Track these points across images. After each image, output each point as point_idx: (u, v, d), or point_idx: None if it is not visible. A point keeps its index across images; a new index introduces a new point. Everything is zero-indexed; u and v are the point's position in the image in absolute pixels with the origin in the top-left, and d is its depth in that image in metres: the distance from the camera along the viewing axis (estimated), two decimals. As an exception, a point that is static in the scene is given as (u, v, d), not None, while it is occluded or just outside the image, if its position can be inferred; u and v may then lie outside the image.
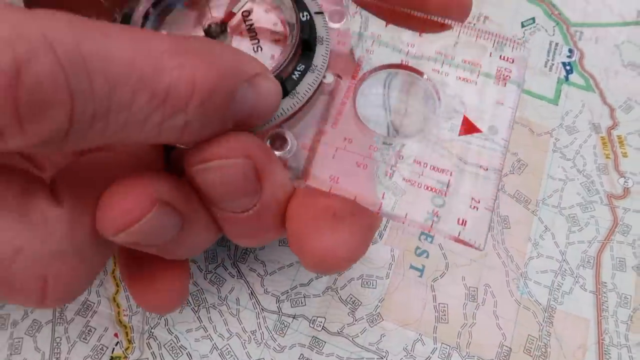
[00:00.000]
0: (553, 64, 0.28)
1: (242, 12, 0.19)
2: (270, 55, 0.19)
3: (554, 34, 0.29)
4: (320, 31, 0.18)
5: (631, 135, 0.26)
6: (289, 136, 0.17)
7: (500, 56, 0.19)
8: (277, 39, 0.19)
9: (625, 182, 0.25)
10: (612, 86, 0.28)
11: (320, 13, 0.19)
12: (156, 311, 0.21)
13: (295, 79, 0.17)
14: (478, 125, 0.18)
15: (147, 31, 0.14)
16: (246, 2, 0.19)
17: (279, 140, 0.17)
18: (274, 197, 0.16)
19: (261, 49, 0.19)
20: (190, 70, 0.13)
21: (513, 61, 0.19)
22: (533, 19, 0.30)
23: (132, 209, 0.14)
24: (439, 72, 0.19)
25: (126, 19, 0.18)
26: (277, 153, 0.17)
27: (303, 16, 0.18)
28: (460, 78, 0.19)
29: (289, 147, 0.17)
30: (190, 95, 0.13)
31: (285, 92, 0.17)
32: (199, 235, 0.17)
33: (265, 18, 0.20)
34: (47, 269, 0.15)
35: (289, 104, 0.17)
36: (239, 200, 0.15)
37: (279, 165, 0.16)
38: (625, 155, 0.26)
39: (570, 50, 0.29)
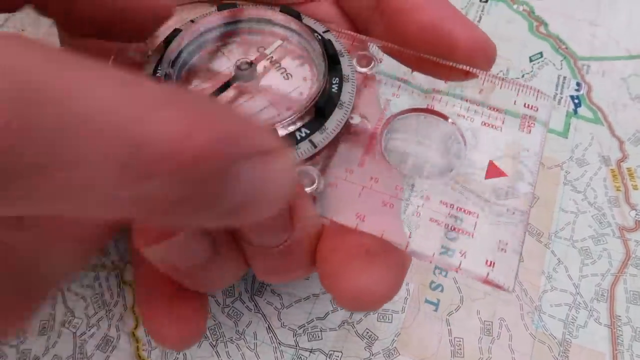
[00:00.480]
0: (562, 98, 0.29)
1: (271, 59, 0.20)
2: (302, 77, 0.20)
3: (561, 68, 0.30)
4: (345, 70, 0.19)
5: (641, 168, 0.27)
6: (316, 173, 0.18)
7: (525, 104, 0.20)
8: (304, 77, 0.20)
9: (636, 214, 0.25)
10: (620, 119, 0.28)
11: (347, 54, 0.20)
12: (174, 347, 0.21)
13: (326, 113, 0.18)
14: (503, 169, 0.18)
15: (138, 76, 0.11)
16: (278, 46, 0.20)
17: (306, 177, 0.17)
18: (304, 232, 0.16)
19: (291, 76, 0.20)
20: (178, 126, 0.10)
21: (537, 109, 0.20)
22: (541, 53, 0.31)
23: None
24: (464, 117, 0.19)
25: (173, 34, 0.19)
26: (305, 189, 0.17)
27: (331, 57, 0.19)
28: (485, 124, 0.19)
29: (316, 184, 0.17)
30: (169, 157, 0.10)
31: (316, 128, 0.18)
32: (227, 268, 0.17)
33: (292, 63, 0.20)
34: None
35: (319, 139, 0.18)
36: (271, 236, 0.16)
37: (309, 202, 0.16)
38: (635, 187, 0.26)
39: (578, 84, 0.30)
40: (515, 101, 0.20)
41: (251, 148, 0.11)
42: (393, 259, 0.16)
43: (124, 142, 0.10)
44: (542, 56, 0.30)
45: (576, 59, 0.30)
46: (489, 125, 0.19)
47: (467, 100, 0.20)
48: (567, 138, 0.28)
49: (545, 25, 0.32)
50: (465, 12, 0.32)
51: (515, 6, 0.32)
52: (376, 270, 0.16)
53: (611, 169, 0.27)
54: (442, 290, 0.24)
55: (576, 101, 0.29)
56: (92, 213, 0.11)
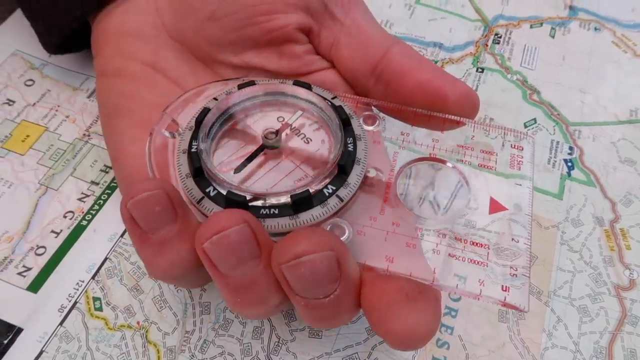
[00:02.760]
0: (555, 161, 0.31)
1: (293, 128, 0.23)
2: (320, 140, 0.23)
3: (554, 133, 0.32)
4: (356, 130, 0.22)
5: (633, 229, 0.28)
6: (346, 225, 0.20)
7: (511, 145, 0.23)
8: (322, 139, 0.23)
9: (630, 274, 0.27)
10: (611, 181, 0.30)
11: (354, 115, 0.23)
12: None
13: (347, 170, 0.20)
14: (503, 204, 0.21)
15: None
16: (299, 116, 0.23)
17: (338, 229, 0.20)
18: (350, 280, 0.18)
19: (311, 140, 0.23)
20: None
21: (522, 149, 0.22)
22: (535, 119, 0.33)
23: (228, 219, 0.18)
24: (463, 161, 0.22)
25: (203, 113, 0.22)
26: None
27: (344, 120, 0.22)
28: (481, 165, 0.22)
29: (346, 234, 0.20)
30: None
31: (341, 184, 0.20)
32: (264, 295, 0.19)
33: (310, 129, 0.23)
34: None
35: (344, 194, 0.20)
36: (324, 288, 0.18)
37: (350, 252, 0.19)
38: (628, 247, 0.28)
39: (571, 148, 0.32)
40: (503, 143, 0.23)
41: None
42: (429, 297, 0.18)
43: None
44: (535, 122, 0.33)
45: (568, 125, 0.33)
46: (484, 166, 0.22)
47: (462, 147, 0.22)
48: (562, 199, 0.30)
49: (538, 93, 0.34)
50: (464, 81, 0.34)
51: (509, 75, 0.35)
52: (418, 311, 0.18)
53: (605, 230, 0.29)
54: (448, 348, 0.25)
55: (569, 164, 0.31)
56: None
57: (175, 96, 0.26)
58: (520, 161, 0.22)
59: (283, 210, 0.19)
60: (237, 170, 0.21)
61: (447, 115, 0.23)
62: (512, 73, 0.35)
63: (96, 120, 0.32)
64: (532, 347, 0.25)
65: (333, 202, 0.20)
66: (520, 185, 0.22)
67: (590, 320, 0.26)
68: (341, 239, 0.19)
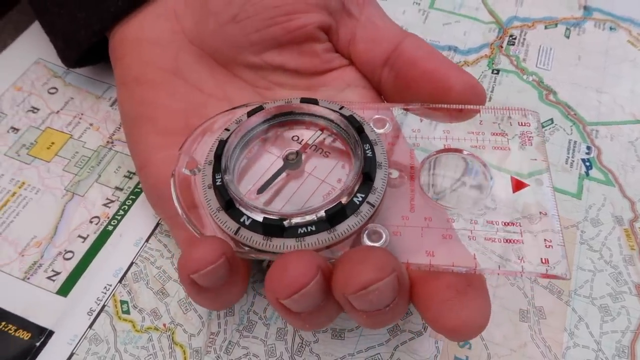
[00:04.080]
0: (573, 161, 0.31)
1: (314, 146, 0.23)
2: (339, 152, 0.23)
3: (571, 133, 0.32)
4: (371, 135, 0.22)
5: (653, 227, 0.29)
6: (382, 229, 0.20)
7: (519, 122, 0.23)
8: (341, 151, 0.23)
9: (651, 272, 0.27)
10: (630, 180, 0.30)
11: (365, 122, 0.23)
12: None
13: (372, 176, 0.21)
14: (524, 181, 0.22)
15: None
16: (318, 136, 0.23)
17: (374, 234, 0.20)
18: (405, 288, 0.19)
19: (329, 153, 0.23)
20: None
21: (529, 124, 0.23)
22: (552, 119, 0.33)
23: (304, 274, 0.18)
24: (477, 147, 0.23)
25: (221, 145, 0.22)
26: (375, 245, 0.20)
27: (358, 128, 0.22)
28: (495, 147, 0.23)
29: (384, 238, 0.20)
30: None
31: (368, 190, 0.20)
32: (330, 316, 0.20)
33: (327, 142, 0.24)
34: None
35: (373, 199, 0.20)
36: (387, 303, 0.18)
37: (402, 264, 0.19)
38: (649, 246, 0.28)
39: (588, 148, 0.32)
40: (510, 122, 0.23)
41: None
42: (478, 288, 0.19)
43: None
44: (552, 122, 0.33)
45: (585, 124, 0.33)
46: (498, 148, 0.23)
47: (473, 133, 0.23)
48: (580, 199, 0.30)
49: (554, 93, 0.34)
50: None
51: (525, 76, 0.35)
52: (470, 304, 0.19)
53: (624, 229, 0.29)
54: (470, 348, 0.25)
55: (587, 164, 0.31)
56: None
57: (194, 103, 0.26)
58: (530, 136, 0.23)
59: (320, 225, 0.20)
60: (260, 190, 0.22)
61: (456, 106, 0.23)
62: (528, 74, 0.35)
63: (119, 128, 0.32)
64: (553, 346, 0.25)
65: (365, 210, 0.20)
66: (536, 159, 0.22)
67: (612, 319, 0.26)
68: (380, 242, 0.20)
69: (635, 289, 0.27)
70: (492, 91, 0.34)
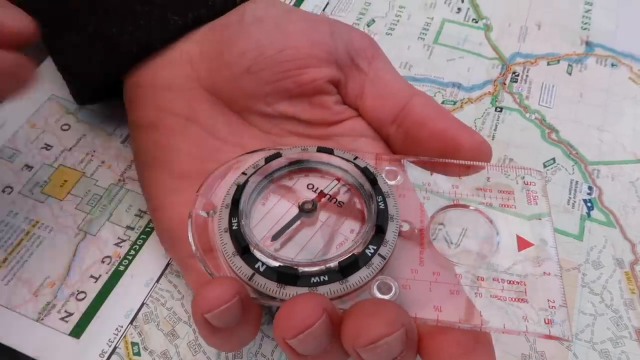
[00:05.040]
0: (575, 202, 0.32)
1: (328, 195, 0.24)
2: (352, 202, 0.24)
3: (573, 173, 0.33)
4: (384, 187, 0.23)
5: (653, 271, 0.29)
6: (392, 281, 0.21)
7: (525, 181, 0.24)
8: (354, 202, 0.24)
9: (651, 317, 0.27)
10: (631, 222, 0.31)
11: (379, 175, 0.24)
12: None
13: (384, 228, 0.21)
14: (529, 240, 0.22)
15: None
16: (335, 185, 0.24)
17: (384, 286, 0.21)
18: (414, 342, 0.20)
19: (343, 203, 0.24)
20: None
21: (535, 184, 0.23)
22: (554, 159, 0.34)
23: (310, 315, 0.18)
24: (484, 203, 0.24)
25: (239, 190, 0.23)
26: (385, 297, 0.21)
27: (372, 180, 0.23)
28: (502, 205, 0.23)
29: (393, 291, 0.21)
30: None
31: (380, 242, 0.21)
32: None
33: (341, 192, 0.25)
34: None
35: (385, 252, 0.21)
36: (395, 356, 0.19)
37: (411, 319, 0.20)
38: (649, 290, 0.28)
39: (590, 188, 0.32)
40: (517, 181, 0.24)
41: None
42: (485, 346, 0.20)
43: None
44: (554, 162, 0.33)
45: (586, 164, 0.33)
46: (505, 205, 0.23)
47: (481, 189, 0.24)
48: (582, 241, 0.30)
49: (557, 132, 0.35)
50: (483, 121, 0.35)
51: (527, 114, 0.36)
52: None
53: (625, 272, 0.29)
54: (472, 393, 0.26)
55: (589, 204, 0.32)
56: None
57: (209, 149, 0.27)
58: (535, 196, 0.24)
59: (332, 275, 0.20)
60: (275, 237, 0.22)
61: (463, 162, 0.24)
62: (531, 112, 0.36)
63: (130, 166, 0.33)
64: (555, 391, 0.26)
65: (377, 262, 0.21)
66: (540, 219, 0.23)
67: (612, 364, 0.26)
68: (390, 295, 0.21)
69: (636, 333, 0.27)
70: (495, 129, 0.35)
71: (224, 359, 0.27)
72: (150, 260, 0.29)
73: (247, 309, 0.21)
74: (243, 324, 0.21)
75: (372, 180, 0.23)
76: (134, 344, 0.27)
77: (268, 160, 0.24)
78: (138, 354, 0.27)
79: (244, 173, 0.24)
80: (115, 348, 0.27)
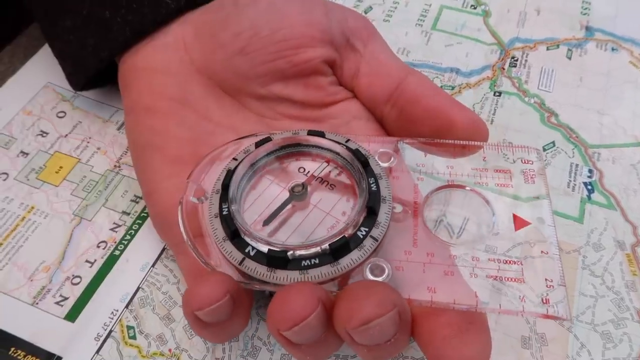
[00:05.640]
0: (575, 185, 0.31)
1: (319, 178, 0.24)
2: (344, 185, 0.23)
3: (573, 156, 0.33)
4: (376, 169, 0.22)
5: (655, 252, 0.29)
6: (384, 263, 0.20)
7: (521, 160, 0.23)
8: (345, 184, 0.24)
9: (653, 298, 0.27)
10: (632, 204, 0.31)
11: (370, 155, 0.23)
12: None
13: (376, 210, 0.21)
14: (526, 219, 0.22)
15: None
16: (325, 167, 0.24)
17: (377, 269, 0.20)
18: (407, 323, 0.19)
19: (334, 186, 0.23)
20: None
21: (532, 162, 0.23)
22: (553, 142, 0.33)
23: (305, 306, 0.18)
24: (480, 183, 0.23)
25: (229, 175, 0.23)
26: (378, 279, 0.20)
27: (363, 162, 0.23)
28: (498, 184, 0.23)
29: (386, 273, 0.20)
30: None
31: (372, 224, 0.21)
32: (332, 348, 0.20)
33: (333, 175, 0.24)
34: None
35: (377, 233, 0.21)
36: (388, 338, 0.19)
37: (404, 300, 0.19)
38: (650, 271, 0.28)
39: (590, 171, 0.32)
40: (514, 160, 0.24)
41: None
42: (479, 327, 0.19)
43: None
44: (554, 145, 0.33)
45: (587, 147, 0.33)
46: (501, 185, 0.23)
47: (477, 169, 0.23)
48: (582, 223, 0.30)
49: (556, 115, 0.34)
50: (481, 105, 0.35)
51: (526, 99, 0.35)
52: (471, 343, 0.19)
53: (626, 254, 0.29)
54: (472, 375, 0.25)
55: (589, 187, 0.31)
56: None
57: (203, 132, 0.27)
58: (532, 175, 0.23)
59: (323, 258, 0.20)
60: (266, 222, 0.22)
61: (459, 142, 0.24)
62: (530, 96, 0.35)
63: (126, 152, 0.33)
64: (555, 373, 0.25)
65: (368, 244, 0.20)
66: (538, 198, 0.22)
67: (614, 346, 0.26)
68: (382, 277, 0.20)
69: (637, 315, 0.27)
70: (494, 114, 0.35)
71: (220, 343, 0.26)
72: (146, 244, 0.29)
73: (237, 304, 0.20)
74: (233, 317, 0.21)
75: (364, 162, 0.23)
76: (129, 327, 0.27)
77: (259, 144, 0.24)
78: (134, 337, 0.26)
79: (234, 158, 0.24)
80: (110, 332, 0.26)
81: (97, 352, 0.26)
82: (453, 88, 0.36)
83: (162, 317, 0.27)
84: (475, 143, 0.24)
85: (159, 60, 0.29)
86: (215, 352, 0.26)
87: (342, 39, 0.27)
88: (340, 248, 0.20)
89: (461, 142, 0.24)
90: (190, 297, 0.20)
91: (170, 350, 0.26)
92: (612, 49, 0.38)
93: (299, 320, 0.18)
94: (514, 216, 0.22)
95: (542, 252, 0.21)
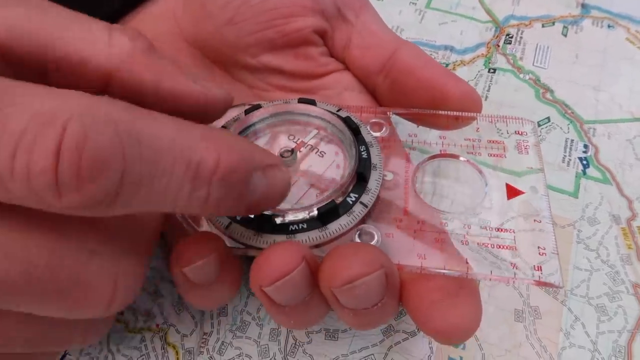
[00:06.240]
0: (570, 160, 0.31)
1: (309, 145, 0.23)
2: (334, 152, 0.23)
3: (568, 132, 0.32)
4: (367, 137, 0.22)
5: (650, 226, 0.28)
6: (374, 229, 0.20)
7: (515, 131, 0.23)
8: (336, 151, 0.23)
9: (648, 271, 0.27)
10: (628, 179, 0.30)
11: (362, 124, 0.23)
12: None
13: (367, 177, 0.21)
14: (519, 188, 0.22)
15: (187, 121, 0.17)
16: (314, 135, 0.23)
17: (366, 235, 0.20)
18: (395, 287, 0.19)
19: (324, 153, 0.23)
20: (216, 151, 0.16)
21: (526, 133, 0.23)
22: (548, 118, 0.33)
23: (289, 262, 0.17)
24: (473, 153, 0.23)
25: None
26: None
27: (354, 130, 0.22)
28: (491, 155, 0.23)
29: (376, 239, 0.20)
30: (214, 170, 0.16)
31: (362, 190, 0.20)
32: (317, 313, 0.20)
33: (323, 142, 0.24)
34: (118, 269, 0.18)
35: (367, 200, 0.20)
36: (375, 301, 0.18)
37: (392, 261, 0.19)
38: (646, 245, 0.28)
39: (585, 146, 0.32)
40: (507, 131, 0.23)
41: (261, 163, 0.17)
42: (470, 291, 0.19)
43: (190, 161, 0.16)
44: (549, 121, 0.33)
45: (582, 123, 0.32)
46: (494, 155, 0.23)
47: (470, 140, 0.23)
48: (577, 198, 0.29)
49: (551, 92, 0.34)
50: (476, 82, 0.35)
51: (521, 75, 0.35)
52: (461, 307, 0.18)
53: (622, 228, 0.28)
54: (464, 348, 0.25)
55: (584, 162, 0.31)
56: (167, 209, 0.16)
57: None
58: (526, 145, 0.23)
59: (311, 223, 0.20)
60: None
61: (453, 113, 0.23)
62: (525, 72, 0.35)
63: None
64: (549, 346, 0.25)
65: (358, 210, 0.20)
66: (532, 167, 0.22)
67: (609, 319, 0.25)
68: (371, 243, 0.20)
69: (633, 288, 0.26)
70: (488, 90, 0.34)
71: (209, 317, 0.26)
72: (134, 220, 0.29)
73: (225, 267, 0.20)
74: (221, 282, 0.20)
75: (355, 129, 0.22)
76: (116, 302, 0.26)
77: (248, 112, 0.24)
78: (121, 312, 0.26)
79: (223, 126, 0.24)
80: (97, 307, 0.26)
81: (84, 327, 0.25)
82: (447, 65, 0.35)
83: (150, 292, 0.26)
84: (469, 114, 0.23)
85: (149, 31, 0.28)
86: (203, 327, 0.26)
87: (333, 8, 0.27)
88: (328, 212, 0.20)
89: (454, 113, 0.23)
90: (178, 254, 0.19)
91: (157, 325, 0.26)
92: (609, 26, 0.37)
93: (281, 275, 0.18)
94: (507, 185, 0.22)
95: (534, 221, 0.21)
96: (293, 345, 0.25)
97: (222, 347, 0.25)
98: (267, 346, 0.25)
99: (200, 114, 0.20)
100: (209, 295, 0.21)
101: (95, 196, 0.14)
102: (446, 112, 0.23)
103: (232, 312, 0.26)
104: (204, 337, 0.25)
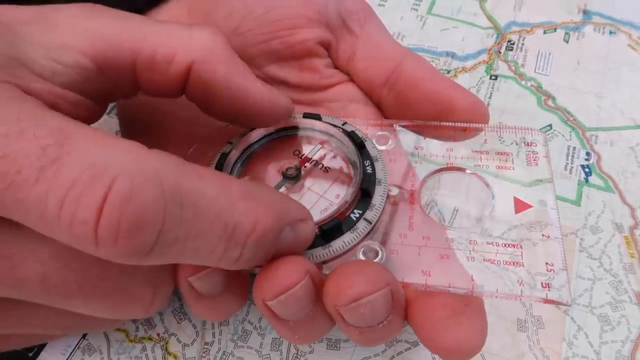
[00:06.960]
0: (572, 167, 0.31)
1: (311, 160, 0.23)
2: (339, 167, 0.23)
3: (570, 139, 0.32)
4: (372, 152, 0.22)
5: (653, 235, 0.28)
6: (378, 246, 0.20)
7: (525, 142, 0.23)
8: (341, 166, 0.23)
9: (652, 281, 0.27)
10: (630, 187, 0.30)
11: (367, 138, 0.23)
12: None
13: (371, 192, 0.20)
14: (527, 202, 0.21)
15: (229, 177, 0.18)
16: (318, 149, 0.23)
17: (370, 251, 0.20)
18: (401, 305, 0.19)
19: (329, 169, 0.23)
20: (254, 214, 0.17)
21: (536, 144, 0.22)
22: (550, 125, 0.33)
23: (292, 276, 0.18)
24: (480, 166, 0.22)
25: (223, 158, 0.22)
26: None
27: (359, 144, 0.22)
28: (498, 167, 0.22)
29: (380, 256, 0.20)
30: (250, 233, 0.17)
31: (366, 206, 0.20)
32: (321, 328, 0.20)
33: (328, 157, 0.24)
34: (158, 278, 0.19)
35: (371, 216, 0.20)
36: (380, 319, 0.18)
37: (397, 280, 0.19)
38: (649, 254, 0.27)
39: (588, 154, 0.31)
40: (516, 142, 0.23)
41: (293, 219, 0.18)
42: (475, 309, 0.19)
43: (228, 224, 0.16)
44: (551, 128, 0.33)
45: (584, 130, 0.32)
46: (502, 167, 0.22)
47: (477, 152, 0.23)
48: (580, 206, 0.29)
49: (553, 99, 0.34)
50: (477, 89, 0.35)
51: (523, 82, 0.35)
52: (466, 324, 0.18)
53: (624, 236, 0.28)
54: (466, 358, 0.25)
55: (587, 170, 0.31)
56: (198, 263, 0.17)
57: (199, 113, 0.26)
58: (536, 157, 0.23)
59: (315, 240, 0.20)
60: None
61: (460, 124, 0.23)
62: (526, 79, 0.35)
63: (117, 133, 0.32)
64: (552, 356, 0.25)
65: (362, 226, 0.20)
66: (541, 180, 0.22)
67: (612, 328, 0.25)
68: (375, 260, 0.20)
69: (636, 297, 0.26)
70: (490, 97, 0.34)
71: (210, 327, 0.26)
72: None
73: (232, 278, 0.20)
74: (228, 293, 0.20)
75: (360, 144, 0.22)
76: (117, 312, 0.26)
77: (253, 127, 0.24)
78: (121, 322, 0.26)
79: (229, 142, 0.24)
80: (97, 316, 0.26)
81: (84, 336, 0.25)
82: (449, 72, 0.35)
83: (150, 301, 0.26)
84: (477, 125, 0.23)
85: None
86: (204, 337, 0.25)
87: (338, 20, 0.27)
88: (332, 230, 0.20)
89: (461, 124, 0.23)
90: (185, 265, 0.19)
91: (158, 334, 0.25)
92: (610, 32, 0.37)
93: (284, 289, 0.17)
94: (515, 199, 0.22)
95: (543, 235, 0.20)
96: (295, 355, 0.25)
97: (224, 356, 0.25)
98: (268, 356, 0.25)
99: (265, 116, 0.21)
100: (216, 307, 0.21)
101: (130, 251, 0.15)
102: (453, 123, 0.23)
103: (234, 321, 0.26)
104: (205, 346, 0.25)
